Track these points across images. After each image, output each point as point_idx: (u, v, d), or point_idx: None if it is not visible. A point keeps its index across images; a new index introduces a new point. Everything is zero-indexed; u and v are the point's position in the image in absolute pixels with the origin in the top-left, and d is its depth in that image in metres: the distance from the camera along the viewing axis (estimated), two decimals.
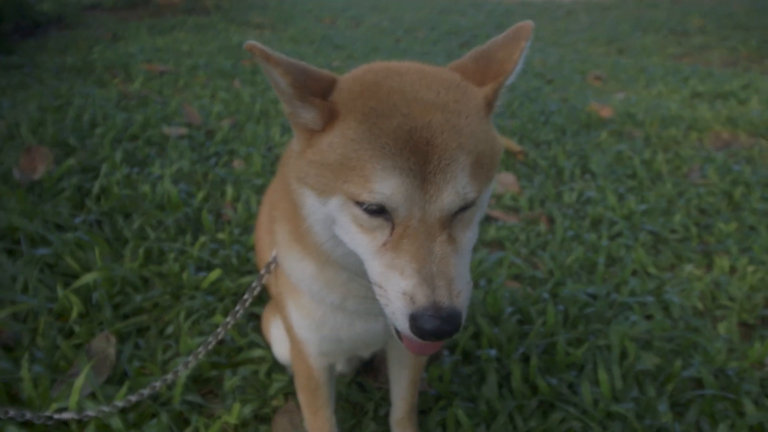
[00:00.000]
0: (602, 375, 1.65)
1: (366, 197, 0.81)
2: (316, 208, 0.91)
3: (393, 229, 0.83)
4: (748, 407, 1.58)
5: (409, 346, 0.92)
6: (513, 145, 3.39)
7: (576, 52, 6.35)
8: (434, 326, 0.78)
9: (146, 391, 1.41)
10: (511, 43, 0.92)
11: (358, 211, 0.85)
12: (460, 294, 0.80)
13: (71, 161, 2.60)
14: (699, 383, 1.72)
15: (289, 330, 1.26)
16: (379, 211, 0.83)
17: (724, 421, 1.55)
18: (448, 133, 0.81)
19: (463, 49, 6.46)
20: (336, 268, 1.02)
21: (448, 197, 0.80)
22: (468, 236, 0.87)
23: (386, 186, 0.80)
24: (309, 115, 0.89)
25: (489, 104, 0.91)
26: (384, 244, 0.84)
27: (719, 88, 4.62)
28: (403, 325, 0.81)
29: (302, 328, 1.18)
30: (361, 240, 0.86)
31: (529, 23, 0.93)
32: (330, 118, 0.87)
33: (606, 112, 4.03)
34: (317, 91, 0.89)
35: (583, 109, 4.13)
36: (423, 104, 0.83)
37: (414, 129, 0.80)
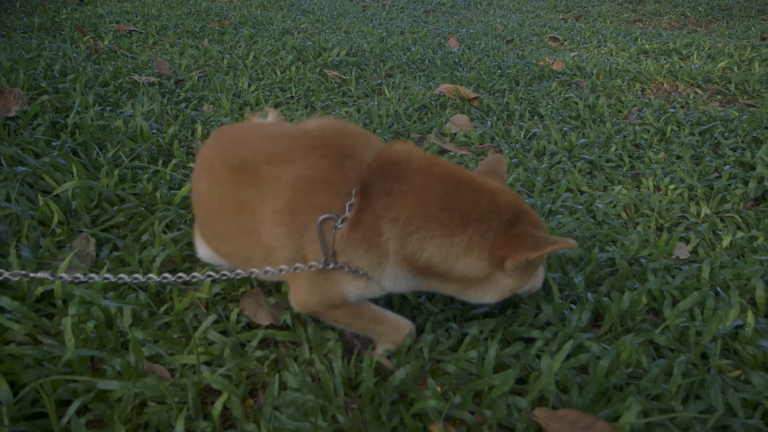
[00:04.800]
0: None
1: None
2: None
3: None
4: (651, 279, 1.84)
5: None
6: (468, 92, 3.61)
7: (536, 18, 6.59)
8: None
9: (126, 277, 1.53)
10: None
11: None
12: None
13: (45, 98, 2.73)
14: (613, 264, 1.98)
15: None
16: None
17: (630, 291, 1.80)
18: None
19: (428, 15, 6.64)
20: None
21: None
22: None
23: None
24: None
25: None
26: None
27: (664, 46, 4.91)
28: None
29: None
30: None
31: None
32: None
33: (558, 66, 4.27)
34: None
35: (536, 63, 4.37)
36: None
37: None
